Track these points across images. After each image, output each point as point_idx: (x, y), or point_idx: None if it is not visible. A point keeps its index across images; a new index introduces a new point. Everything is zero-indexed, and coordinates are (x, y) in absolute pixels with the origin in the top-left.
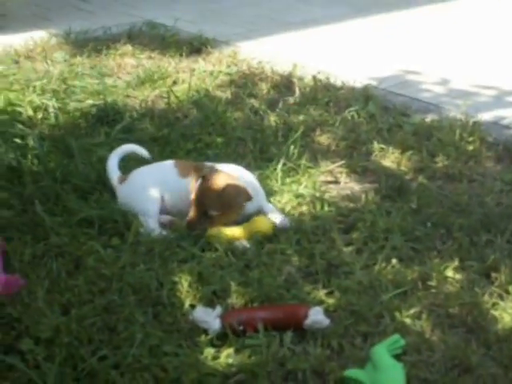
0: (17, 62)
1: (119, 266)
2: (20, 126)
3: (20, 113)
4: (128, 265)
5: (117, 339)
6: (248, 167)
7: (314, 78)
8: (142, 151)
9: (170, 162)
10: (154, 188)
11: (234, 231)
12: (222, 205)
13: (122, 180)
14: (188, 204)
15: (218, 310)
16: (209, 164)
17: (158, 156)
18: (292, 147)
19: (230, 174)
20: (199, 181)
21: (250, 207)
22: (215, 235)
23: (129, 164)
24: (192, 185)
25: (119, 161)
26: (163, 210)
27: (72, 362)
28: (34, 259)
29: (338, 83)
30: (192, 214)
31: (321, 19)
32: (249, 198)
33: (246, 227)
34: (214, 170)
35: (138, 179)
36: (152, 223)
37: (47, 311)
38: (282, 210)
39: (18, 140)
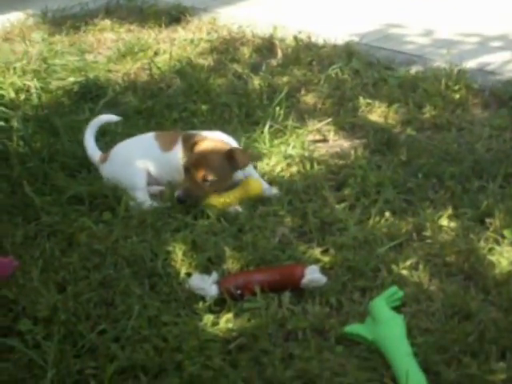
0: None
1: (112, 240)
2: (3, 108)
3: (2, 95)
4: (121, 238)
5: (114, 313)
6: (235, 132)
7: (296, 38)
8: (113, 118)
9: (150, 135)
10: (137, 161)
11: (226, 197)
12: (223, 169)
13: (104, 158)
14: (174, 175)
15: (214, 276)
16: (193, 132)
17: (144, 128)
18: (278, 109)
19: (219, 139)
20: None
21: (238, 174)
22: (210, 202)
23: (105, 139)
24: (180, 154)
25: (95, 138)
26: (151, 182)
27: (71, 339)
28: (27, 240)
29: (320, 42)
30: (186, 182)
31: None
32: (253, 159)
33: (238, 191)
34: (203, 137)
35: (120, 155)
36: (142, 195)
37: (43, 290)
38: (272, 172)
39: (1, 123)
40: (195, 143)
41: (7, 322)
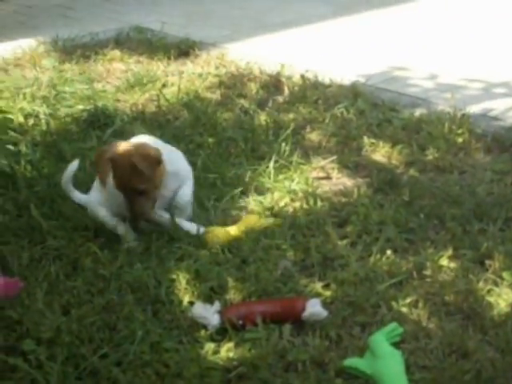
0: (6, 71)
1: (117, 265)
2: (12, 132)
3: (11, 120)
4: (125, 264)
5: (117, 337)
6: (240, 165)
7: (302, 76)
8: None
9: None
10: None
11: (229, 230)
12: (140, 173)
13: None
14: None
15: (217, 305)
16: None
17: None
18: (283, 144)
19: (131, 142)
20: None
21: (172, 177)
22: (211, 235)
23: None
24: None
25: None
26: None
27: (74, 361)
28: (32, 262)
29: (326, 81)
30: (128, 203)
31: (306, 19)
32: (159, 154)
33: (239, 226)
34: (112, 145)
35: (87, 197)
36: (120, 230)
37: (47, 312)
38: (275, 207)
39: (10, 146)
40: (109, 159)
41: (11, 341)
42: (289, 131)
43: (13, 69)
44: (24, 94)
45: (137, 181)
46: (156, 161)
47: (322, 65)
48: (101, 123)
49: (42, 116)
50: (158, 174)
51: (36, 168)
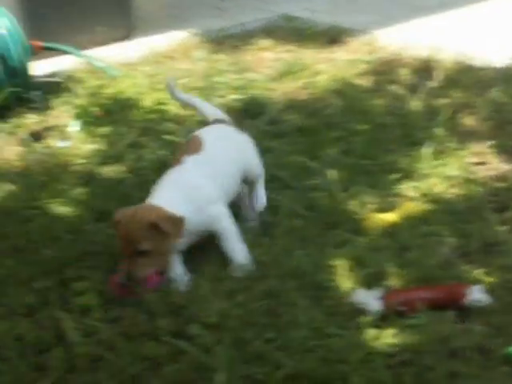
0: (160, 63)
1: (276, 252)
2: (169, 123)
3: (167, 111)
4: (284, 251)
5: (280, 322)
6: (395, 152)
7: (454, 60)
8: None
9: None
10: None
11: (387, 216)
12: (151, 236)
13: None
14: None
15: (378, 291)
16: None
17: (306, 146)
18: (438, 130)
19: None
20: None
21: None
22: (369, 221)
23: (268, 156)
24: None
25: None
26: None
27: (240, 346)
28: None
29: (479, 64)
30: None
31: (456, 1)
32: (182, 223)
33: (398, 212)
34: (125, 212)
35: None
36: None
37: (212, 298)
38: (431, 192)
39: (167, 136)
40: (117, 222)
41: (177, 326)
42: (445, 116)
43: (166, 61)
44: (178, 85)
45: (143, 239)
46: (180, 228)
47: (474, 48)
48: (254, 112)
49: None
50: (170, 239)
51: None
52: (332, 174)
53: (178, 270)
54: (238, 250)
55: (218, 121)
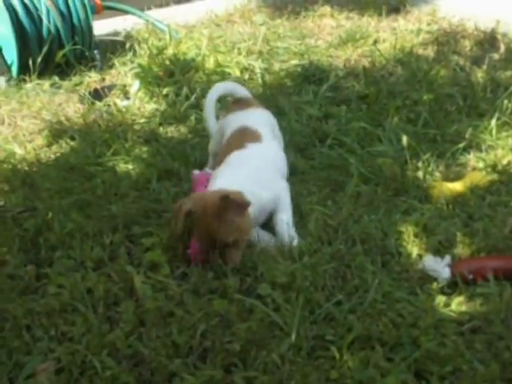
0: (219, 25)
1: (343, 216)
2: None
3: (229, 73)
4: (351, 216)
5: (349, 286)
6: (460, 122)
7: None
8: (240, 90)
9: None
10: None
11: (454, 185)
12: (228, 224)
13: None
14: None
15: (447, 258)
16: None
17: (369, 114)
18: (505, 102)
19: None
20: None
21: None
22: (436, 190)
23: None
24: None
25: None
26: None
27: (309, 307)
28: None
29: None
30: (215, 256)
31: None
32: (244, 198)
33: (465, 182)
34: (190, 198)
35: None
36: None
37: (280, 259)
38: (498, 164)
39: (230, 99)
40: (187, 213)
41: (246, 285)
42: (511, 89)
43: (226, 24)
44: (239, 49)
45: (224, 232)
46: (243, 206)
47: None
48: (315, 78)
49: (257, 70)
50: (246, 219)
51: None
52: (398, 141)
53: (265, 237)
54: (285, 229)
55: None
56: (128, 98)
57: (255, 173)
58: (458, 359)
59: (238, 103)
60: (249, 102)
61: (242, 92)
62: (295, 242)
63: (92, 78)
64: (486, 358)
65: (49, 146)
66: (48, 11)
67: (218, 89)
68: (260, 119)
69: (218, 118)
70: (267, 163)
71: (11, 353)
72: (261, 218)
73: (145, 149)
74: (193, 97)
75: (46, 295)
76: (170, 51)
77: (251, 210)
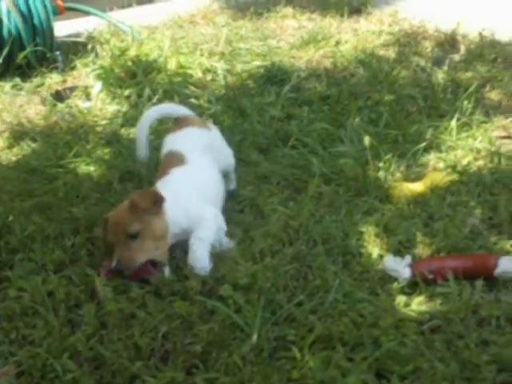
0: (181, 27)
1: (304, 217)
2: (192, 87)
3: (191, 75)
4: (312, 216)
5: (311, 286)
6: (421, 123)
7: (480, 34)
8: (179, 110)
9: None
10: None
11: (415, 186)
12: (136, 216)
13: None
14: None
15: (408, 259)
16: None
17: (331, 114)
18: (465, 103)
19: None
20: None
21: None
22: (397, 190)
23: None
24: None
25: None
26: None
27: (270, 308)
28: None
29: (505, 39)
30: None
31: None
32: (159, 198)
33: (425, 182)
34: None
35: None
36: None
37: (242, 260)
38: (458, 164)
39: (192, 100)
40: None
41: (208, 287)
42: (472, 89)
43: (188, 25)
44: (201, 50)
45: (131, 220)
46: (156, 198)
47: (499, 22)
48: (277, 79)
49: (219, 71)
50: (157, 217)
51: (218, 121)
52: (360, 141)
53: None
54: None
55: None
56: (90, 100)
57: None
58: (419, 358)
59: (178, 123)
60: (188, 120)
61: (181, 111)
62: (204, 270)
63: (53, 80)
64: (446, 356)
65: (10, 147)
66: (8, 12)
67: (150, 114)
68: (190, 140)
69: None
70: (187, 188)
71: None
72: (174, 231)
73: (107, 150)
74: (155, 98)
75: (6, 298)
76: (132, 52)
77: (173, 215)
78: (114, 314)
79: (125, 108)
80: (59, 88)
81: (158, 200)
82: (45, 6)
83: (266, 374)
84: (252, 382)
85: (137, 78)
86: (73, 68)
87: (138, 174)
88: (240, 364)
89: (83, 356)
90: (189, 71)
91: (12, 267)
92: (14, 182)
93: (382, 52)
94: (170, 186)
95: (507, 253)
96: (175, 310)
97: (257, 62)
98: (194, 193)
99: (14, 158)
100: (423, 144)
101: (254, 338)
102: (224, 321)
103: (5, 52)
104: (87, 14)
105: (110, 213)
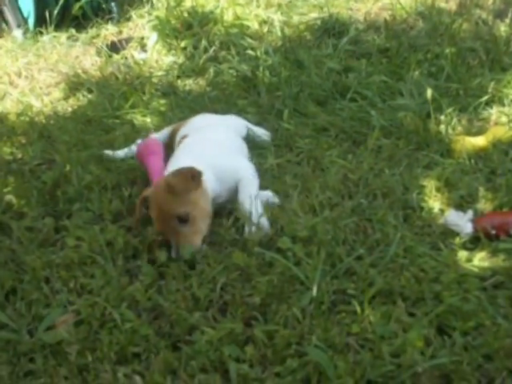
0: None
1: (364, 170)
2: (249, 39)
3: (248, 26)
4: (372, 170)
5: (370, 240)
6: (483, 76)
7: None
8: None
9: None
10: None
11: (477, 140)
12: (179, 199)
13: None
14: None
15: (470, 213)
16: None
17: (390, 67)
18: None
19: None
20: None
21: (220, 189)
22: (458, 144)
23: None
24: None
25: None
26: None
27: (330, 261)
28: (280, 166)
29: None
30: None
31: None
32: (193, 169)
33: (487, 136)
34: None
35: None
36: None
37: (300, 212)
38: None
39: (249, 52)
40: (144, 198)
41: (267, 239)
42: None
43: None
44: (258, 1)
45: (176, 204)
46: (192, 174)
47: None
48: (335, 31)
49: (276, 23)
50: (202, 195)
51: (275, 73)
52: (420, 94)
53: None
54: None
55: None
56: (145, 51)
57: (211, 148)
58: (481, 314)
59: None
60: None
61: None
62: (265, 228)
63: (109, 31)
64: (509, 313)
65: (66, 98)
66: None
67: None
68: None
69: None
70: (224, 142)
71: (30, 305)
72: (224, 192)
73: (163, 102)
74: (211, 50)
75: (64, 247)
76: (187, 3)
77: (209, 184)
78: (172, 265)
79: (181, 59)
80: (115, 39)
81: (194, 175)
82: None
83: (326, 327)
84: (311, 335)
85: (193, 29)
86: (128, 19)
87: None
88: (299, 317)
89: (141, 306)
90: (245, 22)
91: (70, 217)
92: (70, 132)
93: (442, 4)
94: (192, 149)
95: None
96: (234, 261)
97: (314, 14)
98: (219, 148)
99: (70, 109)
100: (485, 98)
101: (314, 290)
102: (283, 273)
103: (61, 3)
104: None
105: (147, 191)
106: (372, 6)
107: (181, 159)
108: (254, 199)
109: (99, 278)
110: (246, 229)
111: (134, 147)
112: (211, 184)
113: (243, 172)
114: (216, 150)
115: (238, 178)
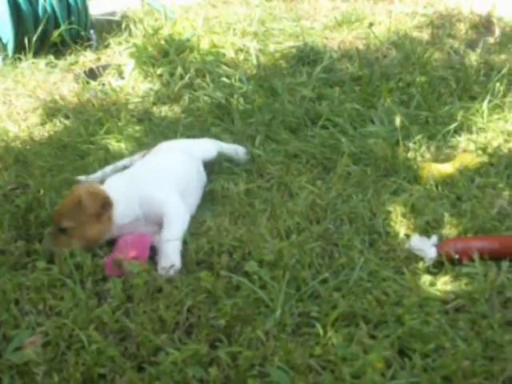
0: (215, 6)
1: (332, 195)
2: (224, 66)
3: (224, 54)
4: (340, 196)
5: (336, 264)
6: (452, 104)
7: None
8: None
9: None
10: None
11: (444, 167)
12: (74, 213)
13: None
14: None
15: (434, 238)
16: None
17: (360, 95)
18: (497, 85)
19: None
20: None
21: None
22: (426, 171)
23: (321, 103)
24: None
25: None
26: None
27: (295, 284)
28: (250, 190)
29: None
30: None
31: None
32: (108, 203)
33: (454, 163)
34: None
35: None
36: None
37: (268, 237)
38: (489, 146)
39: (224, 79)
40: None
41: (234, 263)
42: (504, 71)
43: (221, 5)
44: (234, 30)
45: (70, 214)
46: (104, 202)
47: None
48: (310, 59)
49: (252, 51)
50: (98, 220)
51: (249, 101)
52: (390, 122)
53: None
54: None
55: None
56: (122, 78)
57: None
58: (441, 337)
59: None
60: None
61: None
62: (173, 270)
63: (87, 58)
64: (469, 336)
65: (43, 124)
66: None
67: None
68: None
69: None
70: (169, 171)
71: (0, 326)
72: (148, 219)
73: (138, 128)
74: (187, 77)
75: (35, 270)
76: (165, 31)
77: (126, 208)
78: (140, 288)
79: (157, 86)
80: (92, 66)
81: (105, 204)
82: None
83: (289, 349)
84: (275, 356)
85: (169, 56)
86: (106, 46)
87: None
88: (263, 339)
89: (109, 328)
90: (221, 50)
91: (41, 240)
92: (45, 157)
93: (415, 34)
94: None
95: None
96: (201, 284)
97: (289, 43)
98: (163, 180)
99: (46, 134)
100: (454, 125)
101: (278, 313)
102: (249, 296)
103: (40, 29)
104: None
105: (77, 187)
106: (347, 35)
107: (116, 178)
108: (173, 238)
109: (68, 300)
110: (159, 266)
111: (107, 169)
112: (131, 208)
113: (169, 207)
114: (151, 179)
115: (161, 212)
